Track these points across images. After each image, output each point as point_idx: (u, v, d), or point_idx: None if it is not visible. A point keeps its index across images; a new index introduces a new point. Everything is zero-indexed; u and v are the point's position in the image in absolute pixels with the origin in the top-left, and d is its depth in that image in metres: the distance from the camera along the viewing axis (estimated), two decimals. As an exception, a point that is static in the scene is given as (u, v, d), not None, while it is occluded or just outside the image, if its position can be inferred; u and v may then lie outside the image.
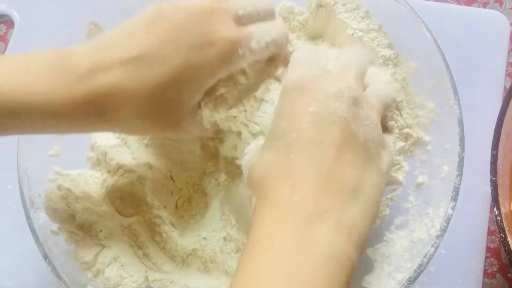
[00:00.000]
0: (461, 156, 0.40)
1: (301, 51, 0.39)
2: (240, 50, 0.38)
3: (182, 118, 0.39)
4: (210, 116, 0.40)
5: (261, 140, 0.38)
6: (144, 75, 0.36)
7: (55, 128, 0.38)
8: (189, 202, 0.46)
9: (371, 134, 0.35)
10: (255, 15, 0.40)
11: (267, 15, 0.41)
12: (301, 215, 0.31)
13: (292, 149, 0.33)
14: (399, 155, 0.45)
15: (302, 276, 0.30)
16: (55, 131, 0.39)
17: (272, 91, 0.41)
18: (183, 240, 0.44)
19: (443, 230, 0.39)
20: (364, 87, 0.38)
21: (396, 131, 0.45)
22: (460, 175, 0.40)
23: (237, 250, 0.43)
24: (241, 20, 0.39)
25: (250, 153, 0.37)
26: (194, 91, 0.38)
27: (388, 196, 0.45)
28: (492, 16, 0.57)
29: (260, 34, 0.39)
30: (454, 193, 0.40)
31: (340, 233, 0.31)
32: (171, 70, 0.36)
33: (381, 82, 0.39)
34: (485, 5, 0.58)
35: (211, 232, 0.45)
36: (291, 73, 0.37)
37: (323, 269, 0.30)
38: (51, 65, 0.36)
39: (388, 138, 0.38)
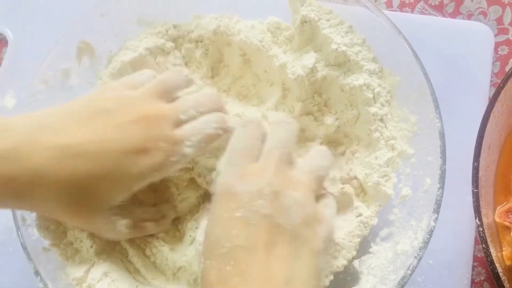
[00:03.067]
0: (442, 169, 0.41)
1: (236, 138, 0.40)
2: (172, 158, 0.39)
3: (98, 215, 0.40)
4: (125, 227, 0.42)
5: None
6: (68, 165, 0.37)
7: None
8: (180, 221, 0.47)
9: (300, 217, 0.36)
10: (197, 115, 0.41)
11: (212, 109, 0.42)
12: None
13: (228, 259, 0.35)
14: (387, 166, 0.45)
15: None
16: None
17: None
18: (173, 255, 0.45)
19: (426, 242, 0.40)
20: (292, 164, 0.39)
21: (383, 142, 0.46)
22: (442, 187, 0.41)
23: None
24: (182, 122, 0.41)
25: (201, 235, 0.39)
26: (117, 192, 0.39)
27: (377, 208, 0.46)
28: (477, 27, 0.57)
29: (194, 134, 0.40)
30: (436, 205, 0.40)
31: None
32: (98, 168, 0.38)
33: (310, 154, 0.41)
34: (469, 17, 0.59)
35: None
36: (222, 174, 0.38)
37: None
38: None
39: (323, 210, 0.39)
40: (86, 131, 0.38)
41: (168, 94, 0.42)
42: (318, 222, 0.37)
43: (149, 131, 0.39)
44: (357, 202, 0.45)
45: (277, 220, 0.36)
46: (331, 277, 0.43)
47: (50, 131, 0.38)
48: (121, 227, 0.41)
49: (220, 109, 0.43)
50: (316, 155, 0.41)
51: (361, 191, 0.46)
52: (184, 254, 0.44)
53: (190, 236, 0.45)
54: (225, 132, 0.42)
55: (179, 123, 0.41)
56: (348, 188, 0.45)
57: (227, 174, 0.38)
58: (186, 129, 0.40)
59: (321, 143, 0.48)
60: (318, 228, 0.37)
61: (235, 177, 0.37)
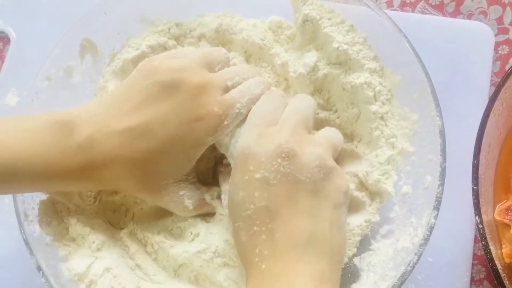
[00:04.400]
0: (442, 166, 0.41)
1: (260, 103, 0.42)
2: (225, 122, 0.41)
3: (164, 188, 0.41)
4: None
5: None
6: (136, 145, 0.40)
7: (46, 189, 0.42)
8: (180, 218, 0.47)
9: (321, 172, 0.38)
10: (242, 82, 0.43)
11: (253, 77, 0.44)
12: (271, 280, 0.35)
13: (253, 220, 0.37)
14: (388, 164, 0.46)
15: None
16: (45, 191, 0.43)
17: None
18: (174, 251, 0.45)
19: (426, 239, 0.40)
20: (309, 132, 0.41)
21: (383, 140, 0.46)
22: (442, 185, 0.41)
23: (224, 265, 0.44)
24: (229, 89, 0.42)
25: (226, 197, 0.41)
26: (180, 161, 0.41)
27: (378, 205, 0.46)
28: (477, 27, 0.58)
29: (244, 96, 0.42)
30: (436, 202, 0.41)
31: (310, 284, 0.35)
32: (160, 142, 0.40)
33: (327, 129, 0.43)
34: (470, 16, 0.59)
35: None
36: (242, 136, 0.40)
37: None
38: (53, 132, 0.40)
39: (339, 168, 0.40)
40: (145, 111, 0.40)
41: (212, 66, 0.44)
42: (338, 176, 0.39)
43: (201, 100, 0.40)
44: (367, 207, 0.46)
45: (298, 176, 0.37)
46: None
47: (113, 117, 0.40)
48: (188, 203, 0.42)
49: (259, 75, 0.45)
50: (329, 131, 0.43)
51: (362, 188, 0.46)
52: (185, 251, 0.44)
53: (191, 233, 0.45)
54: (268, 89, 0.43)
55: (226, 90, 0.42)
56: (363, 197, 0.45)
57: (245, 136, 0.39)
58: (234, 93, 0.42)
59: None
60: (338, 181, 0.38)
61: (252, 138, 0.39)
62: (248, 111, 0.42)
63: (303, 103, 0.42)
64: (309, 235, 0.36)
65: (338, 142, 0.42)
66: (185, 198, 0.42)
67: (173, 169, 0.41)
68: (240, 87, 0.42)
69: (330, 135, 0.42)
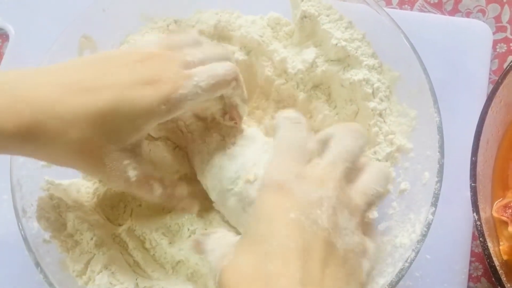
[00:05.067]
0: (440, 163, 0.41)
1: (285, 132, 0.37)
2: (180, 90, 0.37)
3: (106, 155, 0.37)
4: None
5: (231, 237, 0.37)
6: (75, 100, 0.36)
7: None
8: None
9: (351, 244, 0.33)
10: (205, 60, 0.40)
11: (220, 59, 0.41)
12: None
13: (272, 258, 0.31)
14: (386, 161, 0.46)
15: None
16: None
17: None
18: (172, 248, 0.45)
19: (424, 235, 0.40)
20: (353, 179, 0.36)
21: (381, 137, 0.46)
22: (440, 181, 0.41)
23: None
24: (190, 66, 0.39)
25: (220, 250, 0.35)
26: (126, 127, 0.37)
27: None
28: (475, 25, 0.58)
29: (204, 73, 0.38)
30: (434, 198, 0.41)
31: None
32: (107, 101, 0.36)
33: (372, 173, 0.37)
34: (468, 14, 0.59)
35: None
36: (272, 166, 0.35)
37: None
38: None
39: (369, 243, 0.36)
40: (92, 70, 0.37)
41: (176, 49, 0.40)
42: (364, 254, 0.34)
43: (156, 67, 0.38)
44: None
45: (332, 239, 0.32)
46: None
47: (52, 73, 0.37)
48: (131, 173, 0.38)
49: (227, 58, 0.41)
50: (375, 175, 0.37)
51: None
52: (181, 248, 0.44)
53: (188, 229, 0.45)
54: (235, 80, 0.40)
55: (186, 66, 0.39)
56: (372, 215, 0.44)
57: (279, 167, 0.35)
58: (194, 69, 0.39)
59: None
60: (364, 260, 0.34)
61: (291, 175, 0.34)
62: (208, 87, 0.38)
63: (354, 144, 0.36)
64: None
65: (377, 199, 0.37)
66: (129, 168, 0.38)
67: (118, 134, 0.37)
68: (203, 67, 0.39)
69: (372, 188, 0.36)
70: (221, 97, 0.42)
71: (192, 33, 0.43)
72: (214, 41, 0.50)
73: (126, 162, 0.38)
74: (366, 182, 0.36)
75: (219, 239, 0.37)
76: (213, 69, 0.39)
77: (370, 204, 0.36)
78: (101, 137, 0.37)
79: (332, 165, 0.35)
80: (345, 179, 0.35)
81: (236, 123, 0.43)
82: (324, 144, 0.37)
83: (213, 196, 0.43)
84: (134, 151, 0.39)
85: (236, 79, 0.40)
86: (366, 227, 0.36)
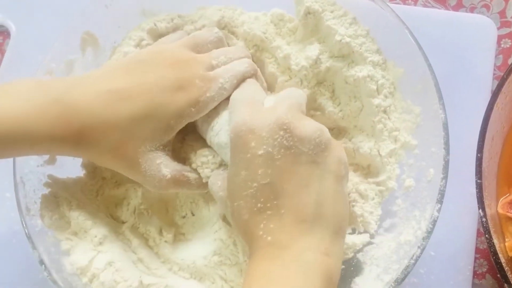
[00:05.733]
0: (446, 159, 0.41)
1: (239, 89, 0.42)
2: (208, 93, 0.41)
3: (141, 156, 0.41)
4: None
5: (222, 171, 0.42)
6: (117, 107, 0.40)
7: (30, 150, 0.40)
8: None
9: (321, 143, 0.37)
10: (228, 61, 0.44)
11: (240, 57, 0.44)
12: (277, 251, 0.35)
13: (257, 198, 0.36)
14: (390, 157, 0.46)
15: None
16: (31, 151, 0.41)
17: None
18: (176, 245, 0.45)
19: (429, 232, 0.40)
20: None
21: (386, 133, 0.46)
22: (445, 178, 0.41)
23: (221, 264, 0.44)
24: (214, 68, 0.43)
25: (222, 192, 0.40)
26: (160, 129, 0.41)
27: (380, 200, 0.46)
28: (480, 20, 0.57)
29: (227, 73, 0.42)
30: (439, 195, 0.40)
31: (317, 256, 0.35)
32: (142, 107, 0.40)
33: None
34: (472, 10, 0.59)
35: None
36: (233, 117, 0.39)
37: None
38: (32, 93, 0.39)
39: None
40: (128, 78, 0.41)
41: (200, 48, 0.44)
42: (337, 147, 0.39)
43: (184, 72, 0.41)
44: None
45: (300, 148, 0.37)
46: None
47: (94, 79, 0.41)
48: (164, 170, 0.41)
49: (246, 55, 0.45)
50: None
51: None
52: (185, 246, 0.45)
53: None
54: (255, 76, 0.44)
55: (211, 68, 0.43)
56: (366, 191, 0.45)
57: (238, 114, 0.39)
58: (219, 70, 0.43)
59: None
60: (338, 153, 0.38)
61: (248, 115, 0.38)
62: (231, 87, 0.42)
63: (294, 92, 0.42)
64: (315, 209, 0.36)
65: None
66: (162, 166, 0.41)
67: (152, 136, 0.41)
68: (226, 66, 0.43)
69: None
70: None
71: (214, 29, 0.46)
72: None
73: (159, 161, 0.41)
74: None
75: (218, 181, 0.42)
76: (234, 69, 0.43)
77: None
78: (138, 138, 0.40)
79: (278, 101, 0.40)
80: (294, 108, 0.39)
81: None
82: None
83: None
84: (165, 150, 0.42)
85: (255, 74, 0.44)
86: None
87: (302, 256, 0.35)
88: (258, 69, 0.45)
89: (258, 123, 0.37)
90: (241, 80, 0.43)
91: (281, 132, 0.37)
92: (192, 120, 0.42)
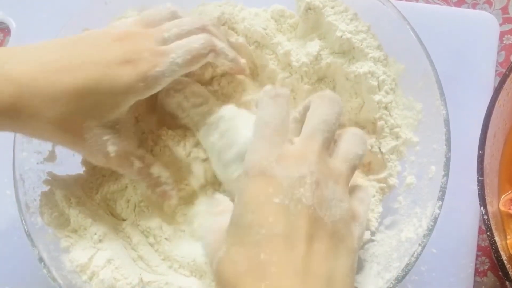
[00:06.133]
0: (447, 156, 0.41)
1: (265, 110, 0.37)
2: (157, 68, 0.39)
3: (86, 131, 0.39)
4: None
5: (221, 216, 0.38)
6: (55, 78, 0.37)
7: None
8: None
9: (339, 213, 0.34)
10: (182, 34, 0.41)
11: (197, 31, 0.42)
12: None
13: (262, 247, 0.32)
14: (392, 154, 0.45)
15: None
16: None
17: None
18: (176, 243, 0.45)
19: (430, 230, 0.40)
20: (332, 148, 0.37)
21: (387, 130, 0.46)
22: (446, 175, 0.41)
23: None
24: (167, 42, 0.40)
25: (212, 236, 0.36)
26: (106, 103, 0.39)
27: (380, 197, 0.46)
28: (482, 16, 0.57)
29: (180, 48, 0.40)
30: (441, 192, 0.40)
31: None
32: (87, 79, 0.38)
33: (349, 139, 0.38)
34: (474, 6, 0.59)
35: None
36: (252, 151, 0.35)
37: None
38: None
39: (358, 206, 0.37)
40: (73, 51, 0.39)
41: (152, 26, 0.42)
42: (354, 219, 0.35)
43: (132, 45, 0.39)
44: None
45: (318, 213, 0.33)
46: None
47: (33, 52, 0.39)
48: (111, 148, 0.40)
49: (204, 29, 0.42)
50: (351, 140, 0.38)
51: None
52: (185, 244, 0.44)
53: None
54: (213, 52, 0.41)
55: (163, 42, 0.40)
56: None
57: (259, 152, 0.35)
58: (172, 44, 0.40)
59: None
60: (354, 226, 0.35)
61: (272, 158, 0.34)
62: (184, 62, 0.40)
63: (330, 112, 0.37)
64: (326, 280, 0.32)
65: (358, 161, 0.37)
66: (109, 143, 0.40)
67: (98, 111, 0.39)
68: (179, 41, 0.40)
69: (352, 152, 0.37)
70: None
71: (167, 6, 0.44)
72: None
73: (105, 137, 0.40)
74: (345, 148, 0.37)
75: (211, 225, 0.38)
76: (189, 44, 0.40)
77: (352, 168, 0.37)
78: (82, 113, 0.38)
79: (310, 138, 0.35)
80: (325, 150, 0.36)
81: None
82: (303, 115, 0.38)
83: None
84: (114, 128, 0.40)
85: (213, 50, 0.41)
86: (355, 190, 0.38)
87: None
88: (218, 42, 0.42)
89: (282, 174, 0.34)
90: (197, 57, 0.40)
91: (302, 190, 0.33)
92: (141, 98, 0.40)
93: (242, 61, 0.45)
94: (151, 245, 0.46)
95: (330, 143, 0.36)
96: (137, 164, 0.42)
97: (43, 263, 0.42)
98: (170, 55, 0.39)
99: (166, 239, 0.46)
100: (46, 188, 0.45)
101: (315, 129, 0.36)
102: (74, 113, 0.38)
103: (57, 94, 0.37)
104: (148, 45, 0.39)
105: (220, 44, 0.43)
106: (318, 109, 0.37)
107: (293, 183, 0.33)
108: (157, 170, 0.43)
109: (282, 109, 0.37)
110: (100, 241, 0.44)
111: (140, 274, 0.44)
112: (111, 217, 0.47)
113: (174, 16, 0.43)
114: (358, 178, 0.46)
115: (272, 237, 0.32)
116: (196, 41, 0.41)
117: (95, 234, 0.44)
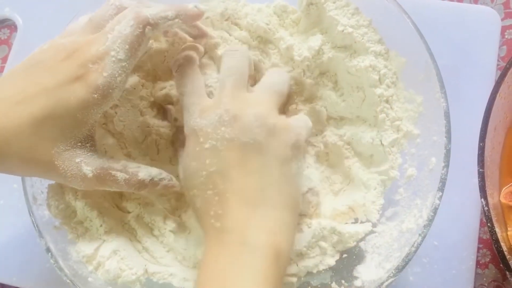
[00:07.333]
0: (447, 148, 0.41)
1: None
2: (104, 73, 0.38)
3: (56, 157, 0.39)
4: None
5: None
6: (14, 112, 0.38)
7: None
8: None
9: (263, 130, 0.39)
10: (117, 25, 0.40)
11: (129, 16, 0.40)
12: (225, 236, 0.38)
13: (207, 185, 0.39)
14: (393, 147, 0.46)
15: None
16: None
17: None
18: (180, 236, 0.46)
19: (430, 220, 0.40)
20: (248, 88, 0.42)
21: (388, 123, 0.46)
22: (446, 166, 0.41)
23: None
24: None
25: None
26: (66, 125, 0.39)
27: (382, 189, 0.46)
28: (483, 11, 0.57)
29: (114, 42, 0.39)
30: (441, 184, 0.41)
31: (262, 236, 0.37)
32: (40, 107, 0.38)
33: (267, 74, 0.45)
34: (476, 0, 0.59)
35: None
36: (186, 117, 0.42)
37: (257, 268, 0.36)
38: None
39: (287, 120, 0.41)
40: (25, 81, 0.39)
41: (100, 27, 0.41)
42: (284, 130, 0.40)
43: (79, 60, 0.39)
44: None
45: (242, 139, 0.39)
46: (337, 257, 0.43)
47: None
48: (85, 169, 0.39)
49: (136, 11, 0.40)
50: (269, 74, 0.45)
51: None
52: (189, 236, 0.45)
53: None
54: (148, 26, 0.39)
55: (105, 43, 0.39)
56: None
57: (190, 115, 0.41)
58: (108, 42, 0.39)
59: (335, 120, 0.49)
60: (284, 136, 0.40)
61: (195, 115, 0.41)
62: (126, 53, 0.39)
63: (234, 60, 0.43)
64: (259, 192, 0.38)
65: (281, 86, 0.44)
66: (83, 164, 0.39)
67: (62, 135, 0.39)
68: (112, 34, 0.39)
69: (271, 82, 0.44)
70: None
71: (111, 2, 0.42)
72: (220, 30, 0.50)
73: (78, 159, 0.40)
74: (262, 81, 0.44)
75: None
76: (121, 33, 0.39)
77: (273, 94, 0.42)
78: (47, 141, 0.39)
79: (221, 86, 0.42)
80: (237, 89, 0.41)
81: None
82: None
83: None
84: (85, 147, 0.40)
85: (149, 24, 0.40)
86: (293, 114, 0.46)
87: (248, 238, 0.37)
88: (151, 14, 0.40)
89: (206, 122, 0.40)
90: (136, 41, 0.39)
91: (223, 128, 0.39)
92: (107, 107, 0.40)
93: (190, 6, 0.43)
94: (156, 237, 0.47)
95: (242, 83, 0.41)
96: (121, 176, 0.41)
97: (50, 253, 0.43)
98: (110, 54, 0.39)
99: (170, 231, 0.46)
100: (52, 180, 0.46)
101: (223, 77, 0.42)
102: (39, 143, 0.38)
103: (18, 128, 0.38)
104: (90, 53, 0.39)
105: (148, 11, 0.40)
106: (224, 62, 0.43)
107: (215, 126, 0.39)
108: (146, 173, 0.42)
109: (198, 75, 0.44)
110: (105, 232, 0.45)
111: (145, 265, 0.45)
112: (117, 209, 0.47)
113: (120, 11, 0.41)
114: (360, 170, 0.46)
115: (211, 175, 0.39)
116: (126, 27, 0.39)
117: (101, 225, 0.45)
